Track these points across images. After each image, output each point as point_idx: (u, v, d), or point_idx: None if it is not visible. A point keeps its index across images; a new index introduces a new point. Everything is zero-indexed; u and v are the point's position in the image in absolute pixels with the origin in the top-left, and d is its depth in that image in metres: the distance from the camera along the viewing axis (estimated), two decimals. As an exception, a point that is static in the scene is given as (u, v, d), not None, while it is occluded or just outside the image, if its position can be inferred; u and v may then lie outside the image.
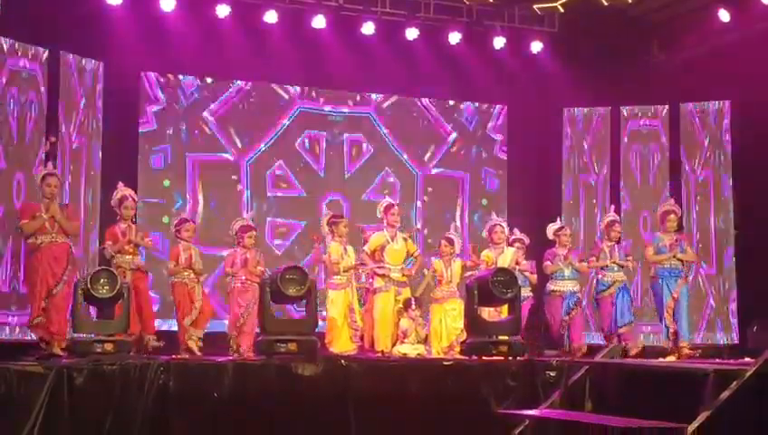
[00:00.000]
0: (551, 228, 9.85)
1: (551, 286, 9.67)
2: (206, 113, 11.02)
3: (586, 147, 12.02)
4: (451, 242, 9.63)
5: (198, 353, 8.32)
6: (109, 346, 7.11)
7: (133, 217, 8.72)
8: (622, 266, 9.63)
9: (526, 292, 9.52)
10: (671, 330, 9.25)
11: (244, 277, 8.75)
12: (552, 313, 9.63)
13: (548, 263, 9.65)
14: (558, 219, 10.12)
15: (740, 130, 11.42)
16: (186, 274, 8.60)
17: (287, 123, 11.35)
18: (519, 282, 9.10)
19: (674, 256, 9.31)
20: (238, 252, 8.91)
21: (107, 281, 7.41)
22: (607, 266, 9.56)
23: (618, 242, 9.82)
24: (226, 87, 11.21)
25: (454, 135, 12.05)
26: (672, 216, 9.53)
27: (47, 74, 9.57)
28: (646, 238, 10.18)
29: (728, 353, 10.54)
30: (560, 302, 9.57)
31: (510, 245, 9.69)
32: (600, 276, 9.66)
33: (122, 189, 8.69)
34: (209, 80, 11.12)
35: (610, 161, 11.92)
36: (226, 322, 9.08)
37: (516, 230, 9.99)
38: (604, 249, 9.64)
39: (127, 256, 8.36)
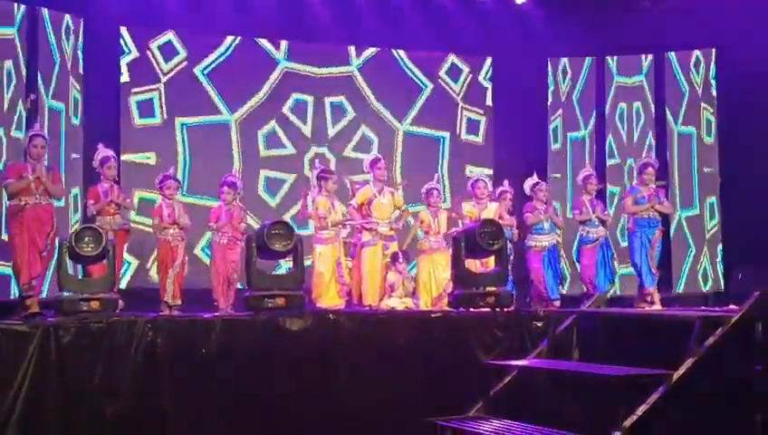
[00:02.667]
0: (527, 184, 9.85)
1: (529, 242, 9.66)
2: (189, 69, 10.93)
3: (571, 97, 12.00)
4: (438, 192, 9.62)
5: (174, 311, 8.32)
6: (95, 304, 7.09)
7: (115, 177, 8.72)
8: (603, 221, 9.67)
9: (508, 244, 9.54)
10: (656, 277, 9.33)
11: (230, 234, 8.75)
12: (534, 267, 9.60)
13: (529, 214, 9.61)
14: (534, 175, 10.09)
15: (725, 76, 11.41)
16: (170, 231, 8.59)
17: (273, 83, 11.29)
18: (507, 235, 9.23)
19: (652, 207, 9.37)
20: (222, 208, 8.89)
21: (91, 239, 7.38)
22: (589, 221, 9.59)
23: (596, 196, 9.84)
24: (208, 42, 11.09)
25: (439, 88, 12.02)
26: (650, 169, 9.55)
27: (25, 31, 9.45)
28: (624, 191, 10.21)
29: (713, 301, 10.63)
30: (539, 256, 9.56)
31: (498, 197, 9.70)
32: (583, 233, 9.67)
33: (103, 150, 8.70)
34: (191, 35, 10.98)
35: (596, 111, 11.90)
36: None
37: (506, 182, 9.96)
38: (586, 203, 9.65)
39: (108, 217, 8.39)
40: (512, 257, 9.70)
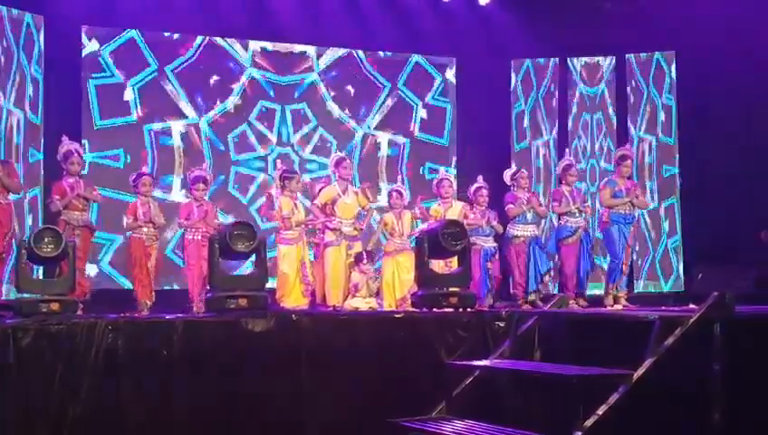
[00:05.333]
0: (507, 173, 9.60)
1: (513, 232, 9.32)
2: (153, 69, 10.87)
3: (534, 97, 12.08)
4: (401, 194, 9.62)
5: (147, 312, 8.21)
6: (55, 306, 6.97)
7: (80, 172, 8.46)
8: (581, 212, 9.30)
9: (489, 242, 9.43)
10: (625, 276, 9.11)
11: (204, 229, 8.57)
12: (516, 260, 9.30)
13: (510, 206, 9.33)
14: (513, 164, 9.96)
15: (685, 78, 11.55)
16: (145, 230, 8.44)
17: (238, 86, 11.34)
18: (487, 233, 9.24)
19: (630, 202, 9.08)
20: (193, 204, 8.74)
21: (51, 240, 7.24)
22: (569, 212, 9.25)
23: (574, 187, 9.44)
24: (172, 42, 11.03)
25: (404, 89, 12.04)
26: (628, 161, 9.27)
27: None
28: (600, 183, 9.79)
29: (674, 300, 10.74)
30: (524, 247, 9.26)
31: (474, 194, 9.54)
32: (562, 222, 9.34)
33: (67, 144, 8.45)
34: (154, 34, 10.90)
35: (558, 111, 11.99)
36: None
37: (480, 178, 9.74)
38: (566, 194, 9.31)
39: (75, 212, 8.16)
40: (496, 256, 9.52)
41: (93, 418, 6.43)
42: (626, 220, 9.11)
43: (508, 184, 9.59)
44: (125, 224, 8.64)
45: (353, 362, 7.06)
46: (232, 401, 6.77)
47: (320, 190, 9.45)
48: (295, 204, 9.06)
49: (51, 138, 9.60)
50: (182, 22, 10.86)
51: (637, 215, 9.28)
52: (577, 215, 9.27)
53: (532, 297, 9.19)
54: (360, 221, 9.44)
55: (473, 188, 9.63)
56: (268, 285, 8.00)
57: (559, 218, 9.46)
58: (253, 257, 7.82)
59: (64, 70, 10.28)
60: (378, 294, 9.31)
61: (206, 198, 8.92)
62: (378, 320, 7.78)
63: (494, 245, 9.50)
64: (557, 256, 9.48)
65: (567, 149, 10.39)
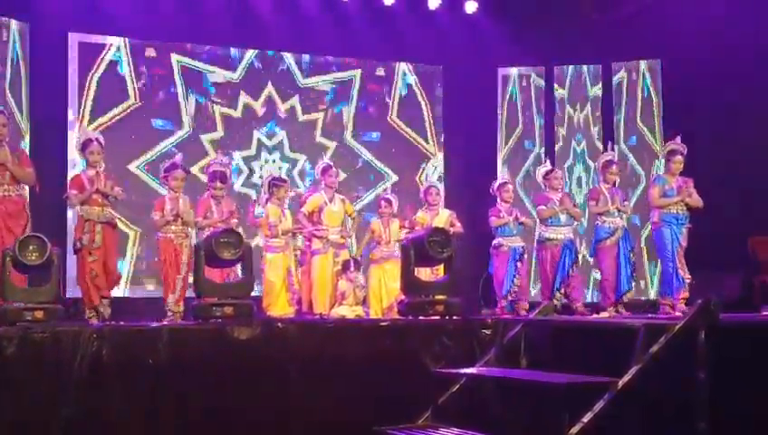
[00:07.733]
0: (540, 172, 9.29)
1: (546, 234, 8.92)
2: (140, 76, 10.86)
3: (521, 106, 12.10)
4: (389, 202, 9.63)
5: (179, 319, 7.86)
6: (39, 314, 6.92)
7: (100, 162, 7.75)
8: (620, 211, 8.80)
9: (517, 242, 9.21)
10: (688, 281, 8.46)
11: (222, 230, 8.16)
12: (549, 263, 8.93)
13: (542, 207, 8.95)
14: (547, 161, 9.61)
15: (671, 86, 11.60)
16: (173, 227, 7.90)
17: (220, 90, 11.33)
18: (513, 232, 9.05)
19: (682, 200, 8.40)
20: (211, 201, 8.44)
21: (36, 247, 7.16)
22: (607, 212, 8.72)
23: (614, 185, 8.97)
24: (163, 49, 11.02)
25: (389, 96, 12.05)
26: (679, 156, 8.54)
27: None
28: (650, 181, 9.45)
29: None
30: (557, 251, 8.86)
31: (498, 190, 9.33)
32: (599, 223, 8.80)
33: (86, 133, 7.99)
34: (144, 42, 10.89)
35: (545, 120, 12.02)
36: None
37: (502, 174, 9.65)
38: (604, 192, 8.79)
39: (95, 208, 7.56)
40: (525, 255, 9.24)
41: (78, 427, 6.40)
42: (678, 221, 8.49)
43: (540, 183, 9.31)
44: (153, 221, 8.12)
45: (339, 370, 7.05)
46: (217, 409, 6.74)
47: (306, 198, 9.45)
48: (283, 212, 9.04)
49: (37, 144, 9.55)
50: (170, 29, 10.84)
51: (689, 214, 8.56)
52: (615, 215, 8.74)
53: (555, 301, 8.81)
54: (347, 229, 9.45)
55: (496, 184, 9.34)
56: (254, 293, 7.98)
57: (596, 220, 8.91)
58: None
59: (50, 77, 10.23)
60: (364, 302, 9.31)
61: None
62: (364, 328, 7.77)
63: (523, 244, 9.23)
64: (594, 260, 8.99)
65: (609, 142, 9.86)
